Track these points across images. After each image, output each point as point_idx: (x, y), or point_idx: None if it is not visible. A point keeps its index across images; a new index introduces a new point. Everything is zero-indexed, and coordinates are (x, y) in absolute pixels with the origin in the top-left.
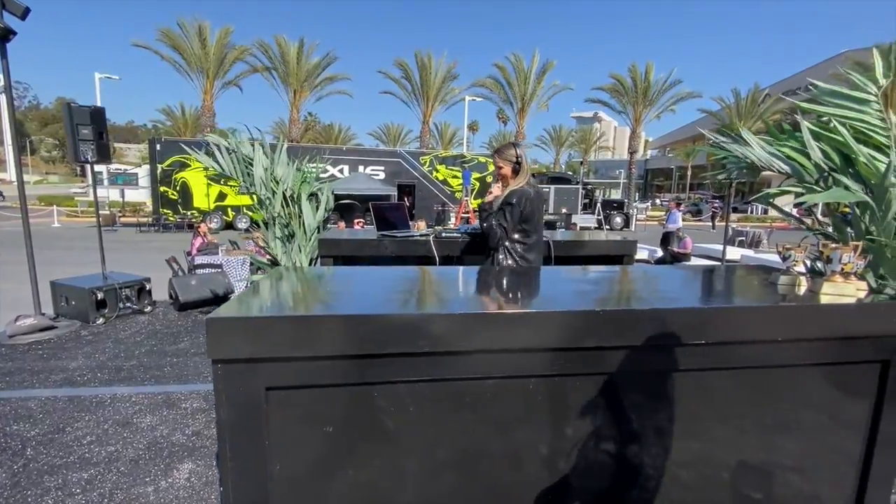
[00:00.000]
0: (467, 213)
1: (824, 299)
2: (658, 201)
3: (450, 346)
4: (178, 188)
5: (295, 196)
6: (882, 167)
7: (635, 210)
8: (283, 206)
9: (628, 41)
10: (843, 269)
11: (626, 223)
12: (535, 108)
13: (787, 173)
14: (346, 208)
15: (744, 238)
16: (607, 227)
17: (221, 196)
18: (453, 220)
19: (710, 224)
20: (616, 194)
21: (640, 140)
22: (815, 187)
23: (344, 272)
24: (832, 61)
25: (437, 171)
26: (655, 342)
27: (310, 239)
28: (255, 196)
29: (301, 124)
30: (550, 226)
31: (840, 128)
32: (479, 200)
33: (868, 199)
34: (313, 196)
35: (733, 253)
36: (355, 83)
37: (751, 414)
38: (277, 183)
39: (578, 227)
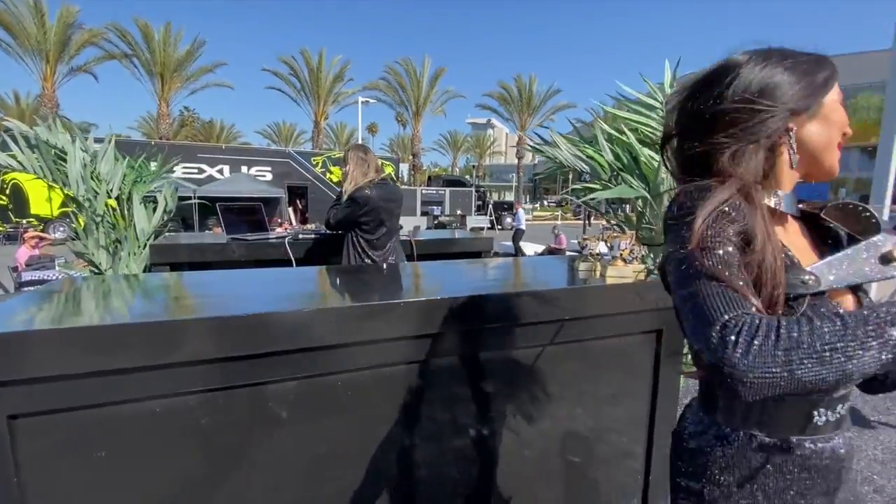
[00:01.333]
0: None
1: (610, 280)
2: (545, 202)
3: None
4: (7, 192)
5: (125, 197)
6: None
7: (524, 211)
8: (108, 209)
9: (519, 52)
10: (622, 254)
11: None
12: (430, 113)
13: (587, 172)
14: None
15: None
16: (499, 227)
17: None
18: None
19: (587, 222)
20: (509, 196)
21: (525, 146)
22: (608, 184)
23: (153, 278)
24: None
25: (332, 172)
26: (463, 327)
27: (143, 246)
28: (71, 197)
29: (173, 120)
30: (443, 227)
31: (626, 131)
32: None
33: (646, 194)
34: (151, 198)
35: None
36: (240, 80)
37: (570, 384)
38: (101, 182)
39: (470, 228)
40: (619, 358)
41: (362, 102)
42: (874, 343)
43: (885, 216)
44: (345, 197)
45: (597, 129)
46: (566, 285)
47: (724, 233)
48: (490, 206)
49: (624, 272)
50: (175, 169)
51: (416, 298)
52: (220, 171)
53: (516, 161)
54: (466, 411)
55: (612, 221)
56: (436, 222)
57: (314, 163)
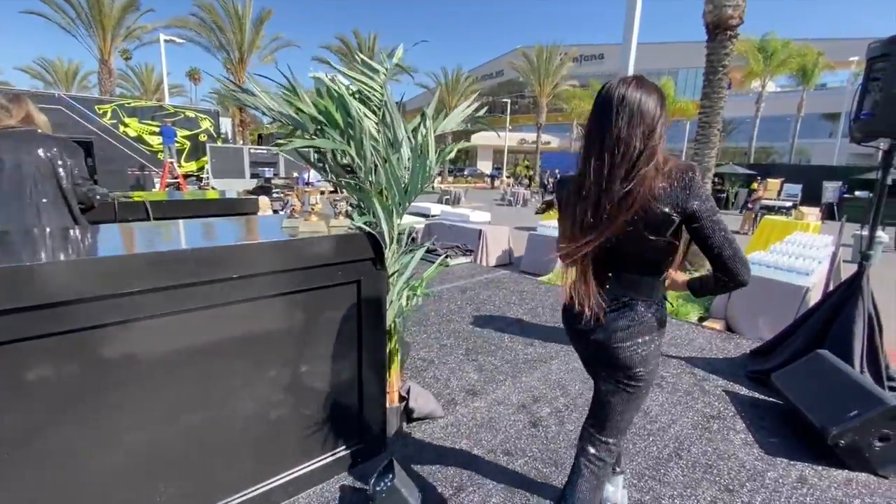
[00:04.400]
0: (176, 178)
1: (302, 235)
2: None
3: None
4: None
5: None
6: (370, 124)
7: None
8: None
9: (363, 6)
10: (313, 209)
11: None
12: (257, 61)
13: (291, 124)
14: None
15: (449, 197)
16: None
17: None
18: (157, 186)
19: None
20: None
21: None
22: (314, 137)
23: None
24: (512, 53)
25: (127, 124)
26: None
27: None
28: None
29: None
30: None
31: (340, 87)
32: (196, 163)
33: (347, 147)
34: None
35: (436, 209)
36: None
37: (279, 337)
38: None
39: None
40: (322, 308)
41: (166, 41)
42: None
43: None
44: None
45: (299, 87)
46: (264, 240)
47: None
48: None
49: (318, 226)
50: None
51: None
52: None
53: None
54: (174, 378)
55: (329, 178)
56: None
57: (100, 112)
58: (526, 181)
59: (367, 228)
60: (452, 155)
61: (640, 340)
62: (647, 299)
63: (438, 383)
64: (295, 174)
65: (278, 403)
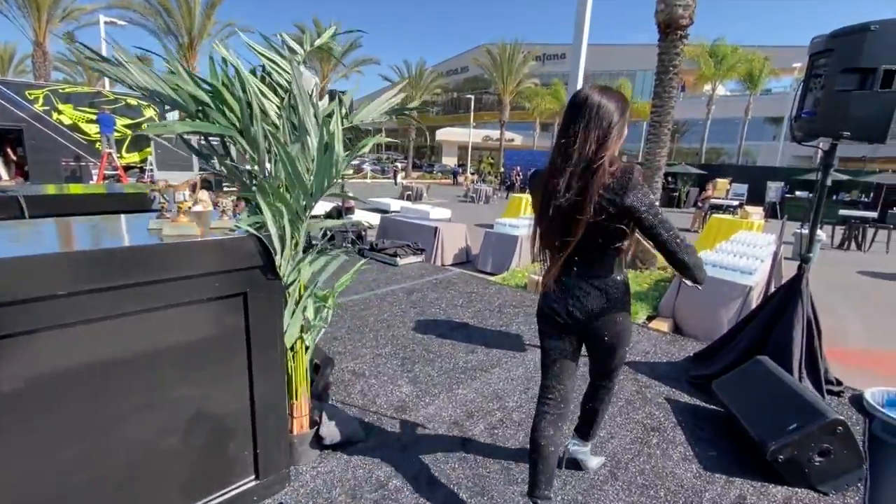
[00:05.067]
0: (116, 170)
1: (167, 239)
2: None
3: None
4: None
5: None
6: (272, 108)
7: None
8: None
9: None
10: (180, 207)
11: None
12: (208, 47)
13: (166, 104)
14: None
15: (411, 192)
16: None
17: None
18: (95, 178)
19: (394, 180)
20: None
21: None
22: (198, 119)
23: None
24: (477, 49)
25: (61, 111)
26: None
27: None
28: None
29: None
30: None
31: (237, 62)
32: (140, 154)
33: (234, 133)
34: None
35: (396, 205)
36: None
37: (129, 366)
38: None
39: None
40: (198, 326)
41: (107, 23)
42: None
43: None
44: None
45: (179, 66)
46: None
47: None
48: None
49: (185, 229)
50: None
51: None
52: None
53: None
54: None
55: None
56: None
57: (31, 97)
58: (491, 178)
59: (253, 231)
60: (367, 149)
61: (616, 317)
62: (607, 276)
63: (365, 399)
64: None
65: (148, 440)
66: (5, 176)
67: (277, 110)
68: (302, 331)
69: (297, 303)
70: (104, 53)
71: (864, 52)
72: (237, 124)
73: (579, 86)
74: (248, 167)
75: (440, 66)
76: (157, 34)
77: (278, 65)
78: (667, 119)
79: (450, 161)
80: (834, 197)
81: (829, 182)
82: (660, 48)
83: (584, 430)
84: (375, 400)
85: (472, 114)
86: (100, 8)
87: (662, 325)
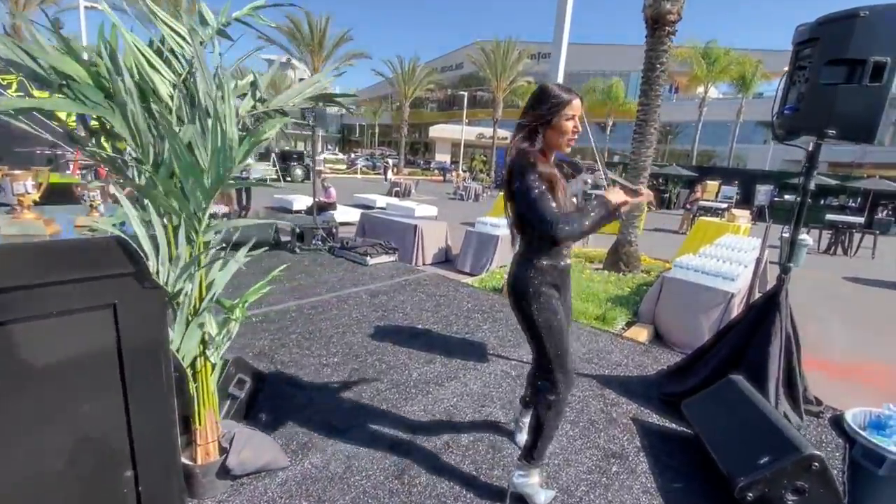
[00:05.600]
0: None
1: (8, 239)
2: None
3: None
4: None
5: None
6: (163, 84)
7: (315, 163)
8: None
9: None
10: (20, 201)
11: (307, 175)
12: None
13: (24, 75)
14: None
15: (399, 189)
16: (288, 178)
17: None
18: (71, 168)
19: (384, 177)
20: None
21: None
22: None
23: None
24: (472, 46)
25: (35, 98)
26: None
27: None
28: None
29: None
30: None
31: (122, 29)
32: (121, 144)
33: (111, 113)
34: None
35: (382, 201)
36: None
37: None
38: None
39: (252, 178)
40: (49, 343)
41: (87, 7)
42: (594, 215)
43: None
44: None
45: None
46: None
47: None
48: (274, 154)
49: (31, 227)
50: None
51: None
52: None
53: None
54: None
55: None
56: None
57: (3, 83)
58: (483, 176)
59: (118, 232)
60: (271, 135)
61: (516, 301)
62: (519, 257)
63: (299, 418)
64: None
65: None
66: None
67: (171, 89)
68: (205, 346)
69: (193, 316)
70: (83, 35)
71: (853, 42)
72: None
73: (559, 79)
74: (133, 153)
75: (436, 62)
76: (142, 21)
77: (178, 34)
78: (653, 118)
79: (444, 158)
80: (822, 201)
81: (812, 185)
82: (647, 44)
83: (525, 448)
84: (311, 419)
85: (465, 111)
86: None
87: (641, 333)
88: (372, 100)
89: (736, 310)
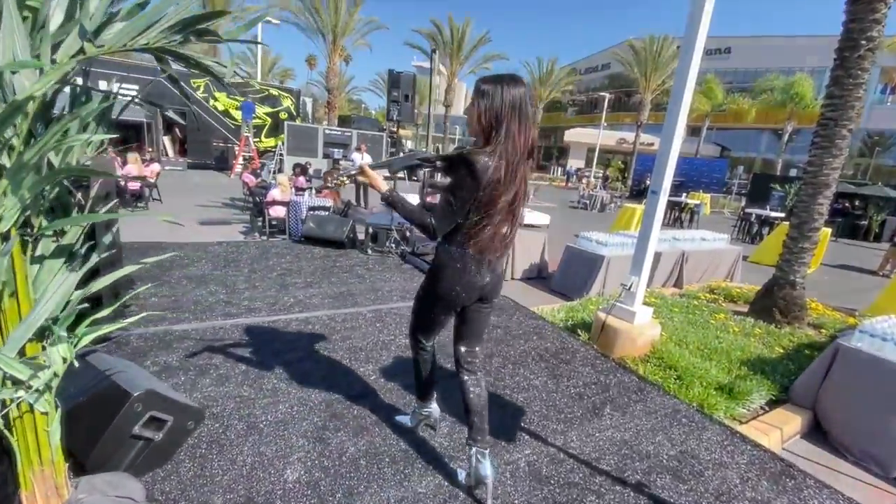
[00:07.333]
0: (250, 152)
1: None
2: None
3: None
4: None
5: None
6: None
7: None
8: None
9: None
10: None
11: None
12: (350, 44)
13: None
14: None
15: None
16: (414, 178)
17: None
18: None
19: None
20: (449, 148)
21: (454, 94)
22: None
23: None
24: (621, 45)
25: (217, 99)
26: None
27: None
28: None
29: None
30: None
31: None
32: (275, 140)
33: None
34: None
35: None
36: None
37: None
38: None
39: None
40: None
41: (266, 23)
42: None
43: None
44: None
45: None
46: None
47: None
48: (403, 153)
49: None
50: None
51: None
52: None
53: (444, 109)
54: None
55: None
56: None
57: (195, 85)
58: (618, 184)
59: None
60: (40, 90)
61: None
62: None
63: (201, 493)
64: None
65: None
66: (171, 153)
67: None
68: (22, 390)
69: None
70: (258, 47)
71: None
72: None
73: (689, 84)
74: None
75: (579, 64)
76: (307, 32)
77: None
78: (846, 116)
79: (577, 163)
80: None
81: None
82: (847, 14)
83: None
84: (211, 497)
85: (604, 113)
86: (264, 7)
87: (789, 421)
88: None
89: None
